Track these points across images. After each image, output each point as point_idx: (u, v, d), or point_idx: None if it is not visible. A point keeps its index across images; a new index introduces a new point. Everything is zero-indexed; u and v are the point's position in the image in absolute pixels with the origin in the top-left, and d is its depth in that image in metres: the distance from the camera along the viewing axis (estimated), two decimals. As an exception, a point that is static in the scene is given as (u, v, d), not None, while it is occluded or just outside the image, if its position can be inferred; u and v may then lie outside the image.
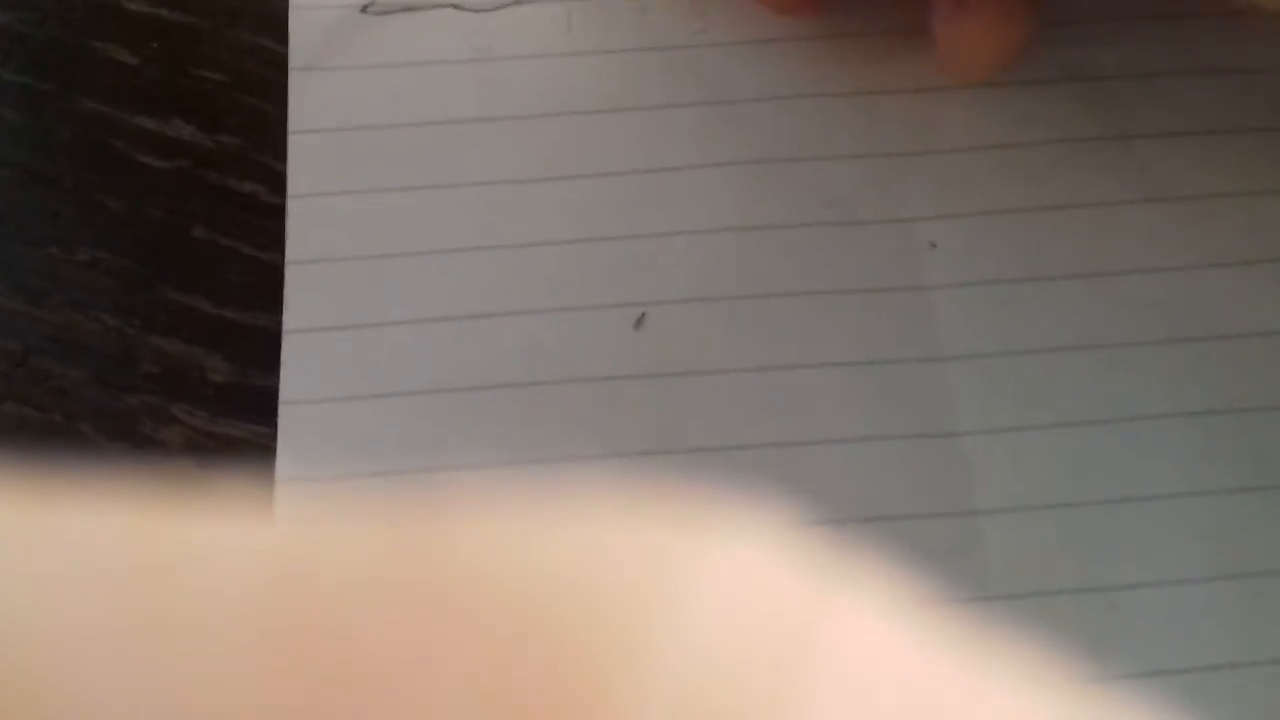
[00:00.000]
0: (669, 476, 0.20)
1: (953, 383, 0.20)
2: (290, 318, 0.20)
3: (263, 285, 0.21)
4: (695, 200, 0.21)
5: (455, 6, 0.23)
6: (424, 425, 0.20)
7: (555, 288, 0.20)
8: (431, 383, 0.20)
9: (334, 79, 0.22)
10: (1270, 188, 0.21)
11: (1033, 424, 0.19)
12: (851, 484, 0.19)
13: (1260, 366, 0.20)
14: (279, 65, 0.22)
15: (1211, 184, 0.21)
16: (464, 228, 0.21)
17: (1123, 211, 0.21)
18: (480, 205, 0.21)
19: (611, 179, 0.21)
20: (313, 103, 0.22)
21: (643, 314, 0.20)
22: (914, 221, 0.21)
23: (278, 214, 0.21)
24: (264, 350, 0.20)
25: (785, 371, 0.20)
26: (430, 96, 0.22)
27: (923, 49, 0.22)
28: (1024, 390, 0.20)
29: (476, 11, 0.23)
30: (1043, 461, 0.19)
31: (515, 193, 0.21)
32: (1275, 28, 0.20)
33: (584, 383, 0.20)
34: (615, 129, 0.22)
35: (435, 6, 0.23)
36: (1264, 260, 0.20)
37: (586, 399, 0.20)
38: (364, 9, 0.23)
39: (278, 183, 0.21)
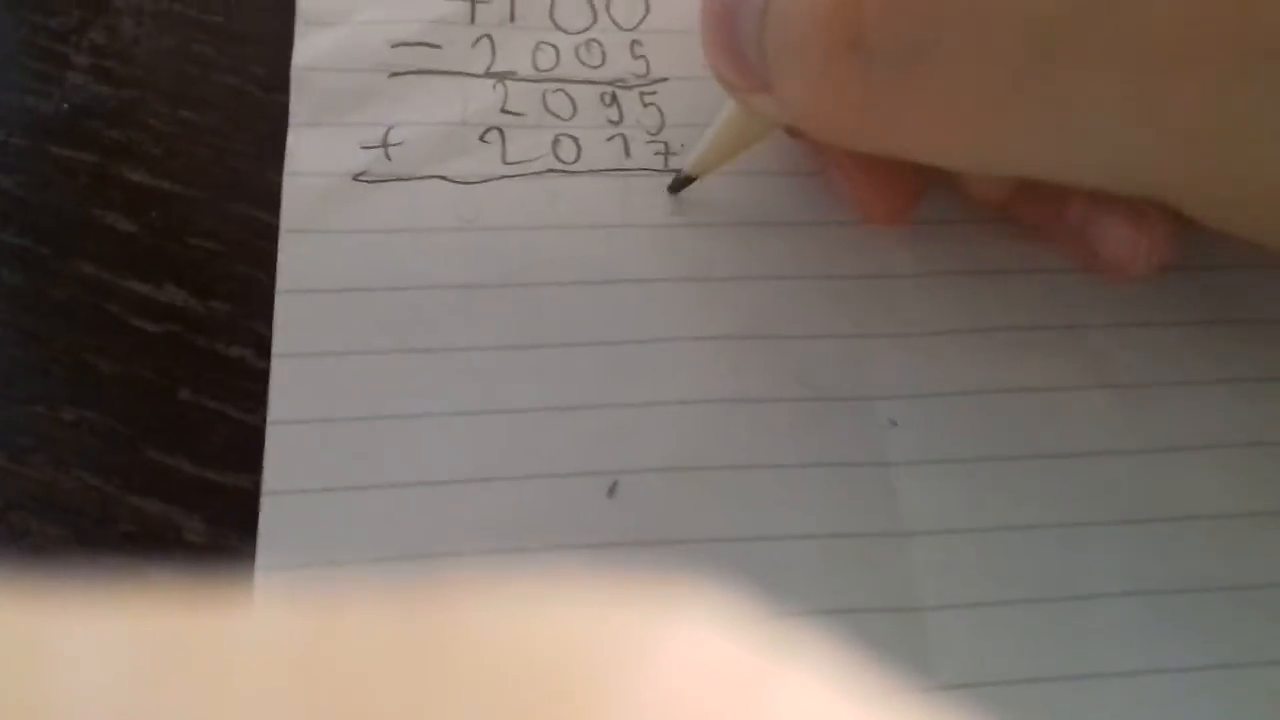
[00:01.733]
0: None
1: (914, 558, 0.20)
2: (270, 478, 0.21)
3: (245, 447, 0.21)
4: (673, 372, 0.22)
5: (443, 178, 0.24)
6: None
7: (533, 454, 0.21)
8: (411, 549, 0.20)
9: (323, 242, 0.23)
10: (1212, 378, 0.22)
11: (992, 600, 0.20)
12: (813, 655, 0.19)
13: (1210, 547, 0.20)
14: (272, 236, 0.23)
15: (1160, 374, 0.22)
16: (445, 392, 0.22)
17: (1077, 396, 0.22)
18: (462, 371, 0.22)
19: (592, 349, 0.22)
20: (301, 264, 0.23)
21: (615, 482, 0.21)
22: (877, 400, 0.22)
23: (264, 378, 0.22)
24: (243, 512, 0.21)
25: (754, 543, 0.20)
26: (417, 262, 0.23)
27: (890, 236, 0.23)
28: (983, 566, 0.20)
29: (464, 183, 0.24)
30: (1002, 637, 0.20)
31: (498, 359, 0.22)
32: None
33: (557, 550, 0.20)
34: (596, 300, 0.23)
35: (425, 177, 0.24)
36: (1207, 446, 0.21)
37: (560, 568, 0.20)
38: (356, 177, 0.24)
39: (266, 348, 0.22)
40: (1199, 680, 0.20)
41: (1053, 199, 0.22)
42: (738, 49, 0.20)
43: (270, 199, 0.24)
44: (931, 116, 0.18)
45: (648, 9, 0.26)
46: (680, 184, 0.24)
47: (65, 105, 0.25)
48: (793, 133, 0.23)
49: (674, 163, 0.25)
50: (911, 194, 0.23)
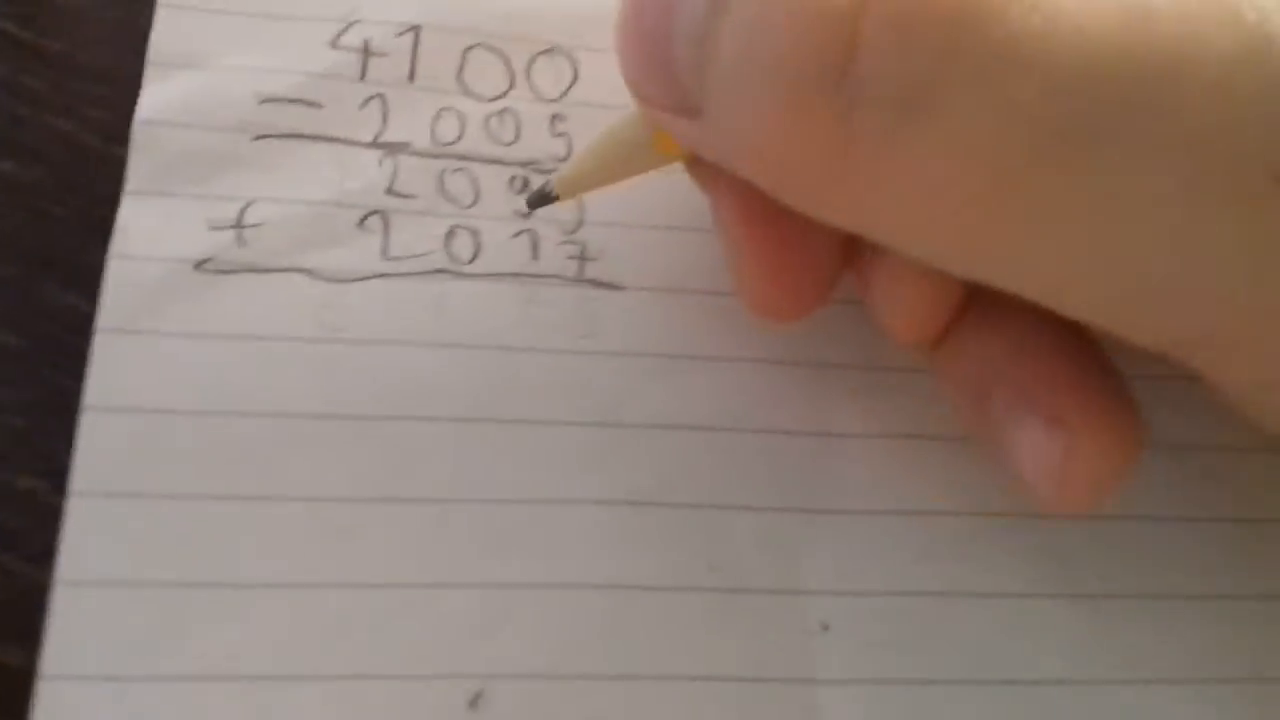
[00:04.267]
0: None
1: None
2: (50, 661, 0.16)
3: (23, 611, 0.17)
4: (560, 544, 0.18)
5: (307, 272, 0.20)
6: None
7: (380, 647, 0.17)
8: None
9: (149, 346, 0.19)
10: (1209, 592, 0.19)
11: None
12: None
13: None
14: (86, 332, 0.19)
15: (1140, 583, 0.19)
16: (280, 556, 0.18)
17: (1044, 607, 0.18)
18: (304, 528, 0.18)
19: (465, 507, 0.18)
20: (119, 374, 0.18)
21: (480, 691, 0.17)
22: (808, 595, 0.18)
23: (57, 519, 0.17)
24: (13, 697, 0.16)
25: (643, 781, 0.17)
26: (264, 381, 0.19)
27: (840, 385, 0.19)
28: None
29: (332, 281, 0.20)
30: None
31: (349, 515, 0.18)
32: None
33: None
34: (477, 443, 0.19)
35: (284, 269, 0.20)
36: (1196, 680, 0.18)
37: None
38: (198, 265, 0.20)
39: (63, 479, 0.18)
40: None
41: (979, 376, 0.17)
42: (664, 55, 0.15)
43: (91, 283, 0.19)
44: (921, 186, 0.14)
45: (575, 76, 0.22)
46: (538, 200, 0.19)
47: None
48: (694, 171, 0.18)
49: (590, 270, 0.21)
50: (815, 285, 0.18)
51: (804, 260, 0.18)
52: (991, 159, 0.13)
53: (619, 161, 0.18)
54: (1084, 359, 0.17)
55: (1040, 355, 0.17)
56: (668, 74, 0.15)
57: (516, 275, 0.20)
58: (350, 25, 0.22)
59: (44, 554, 0.17)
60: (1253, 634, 0.18)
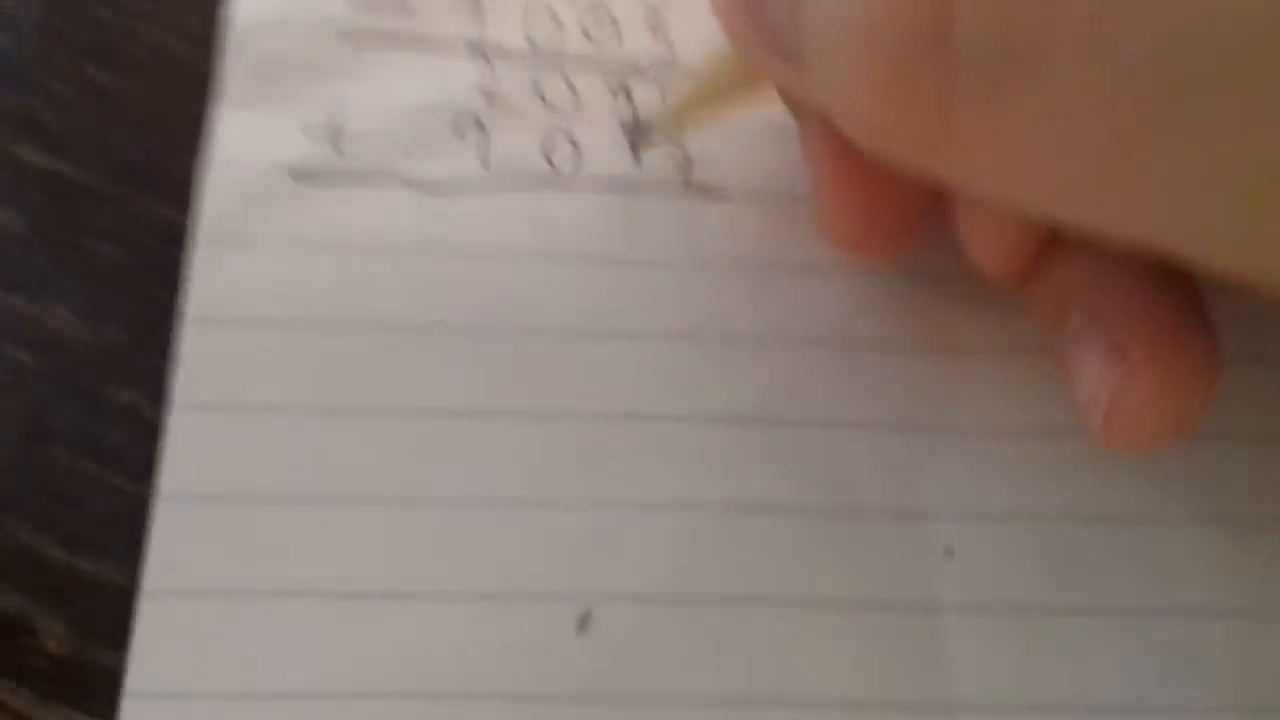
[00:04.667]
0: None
1: (964, 744, 0.16)
2: (151, 575, 0.16)
3: (124, 527, 0.17)
4: (666, 462, 0.17)
5: (405, 181, 0.19)
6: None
7: (485, 565, 0.17)
8: (319, 684, 0.16)
9: (245, 257, 0.18)
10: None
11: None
12: None
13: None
14: (182, 242, 0.18)
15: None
16: (383, 471, 0.17)
17: (1173, 533, 0.17)
18: (407, 442, 0.17)
19: (569, 422, 0.18)
20: (218, 285, 0.18)
21: (587, 612, 0.16)
22: (930, 519, 0.17)
23: (157, 434, 0.17)
24: (113, 615, 0.16)
25: (759, 708, 0.16)
26: (362, 291, 0.18)
27: (962, 299, 0.18)
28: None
29: (432, 194, 0.19)
30: None
31: (452, 429, 0.17)
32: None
33: (510, 701, 0.16)
34: (582, 358, 0.18)
35: (381, 179, 0.19)
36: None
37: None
38: (295, 174, 0.19)
39: (163, 393, 0.17)
40: None
41: (1060, 300, 0.16)
42: (762, 5, 0.15)
43: (188, 195, 0.19)
44: (1023, 148, 0.13)
45: (674, -30, 0.21)
46: (638, 133, 0.19)
47: (-52, 54, 0.20)
48: (787, 100, 0.18)
49: (694, 175, 0.20)
50: (903, 220, 0.17)
51: (890, 200, 0.17)
52: (1100, 121, 0.12)
53: (718, 95, 0.18)
54: (1170, 293, 0.15)
55: (1120, 283, 0.16)
56: (762, 17, 0.15)
57: (618, 183, 0.19)
58: (443, -78, 0.21)
59: (145, 469, 0.17)
60: None
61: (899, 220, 0.17)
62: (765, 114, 0.20)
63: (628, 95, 0.20)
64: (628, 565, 0.17)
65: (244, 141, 0.19)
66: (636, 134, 0.19)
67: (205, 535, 0.17)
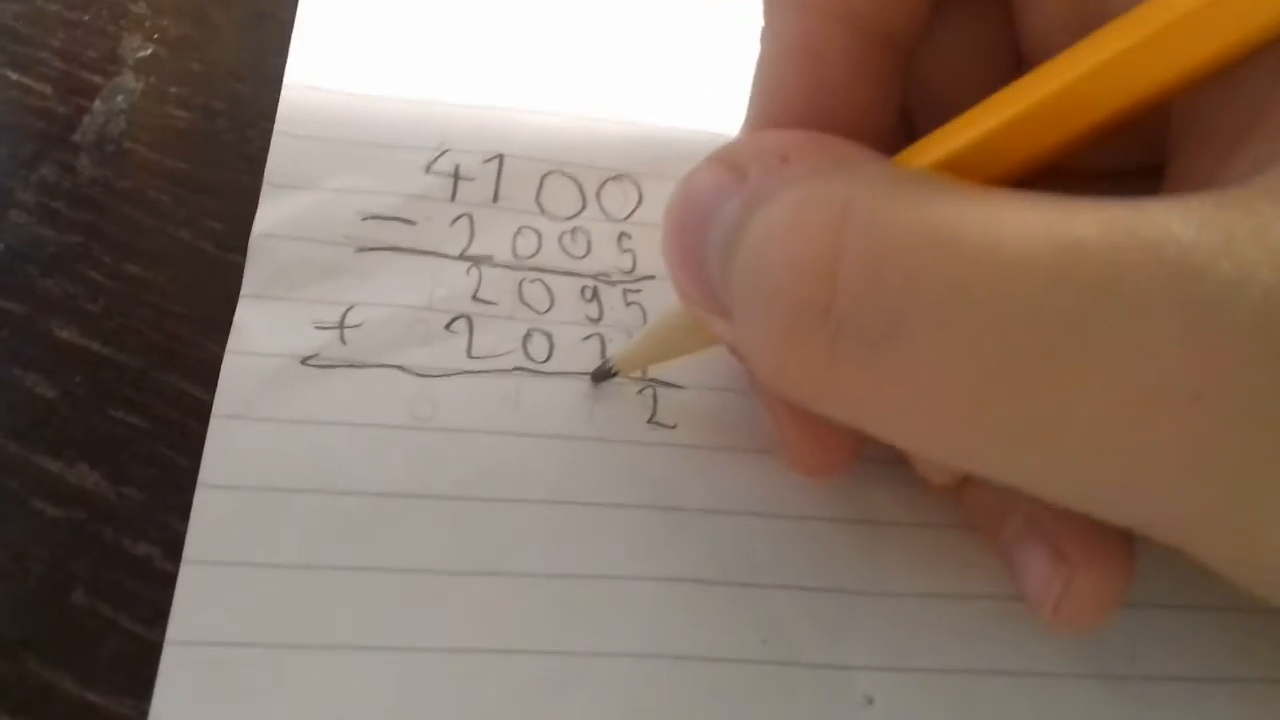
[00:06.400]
0: None
1: None
2: (158, 714, 0.18)
3: (136, 667, 0.19)
4: (627, 617, 0.20)
5: (401, 368, 0.22)
6: None
7: (461, 707, 0.19)
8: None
9: (259, 431, 0.21)
10: (1225, 675, 0.20)
11: None
12: None
13: None
14: (203, 417, 0.21)
15: (1167, 665, 0.20)
16: (374, 621, 0.19)
17: (1071, 686, 0.19)
18: (396, 596, 0.19)
19: (541, 581, 0.20)
20: (231, 454, 0.21)
21: (552, 749, 0.18)
22: (854, 670, 0.19)
23: (169, 584, 0.19)
24: (123, 746, 0.18)
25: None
26: (360, 462, 0.21)
27: (885, 479, 0.21)
28: None
29: (422, 376, 0.22)
30: None
31: (436, 586, 0.20)
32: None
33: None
34: (553, 524, 0.21)
35: (381, 366, 0.22)
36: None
37: None
38: (305, 360, 0.22)
39: (176, 548, 0.20)
40: None
41: (997, 505, 0.20)
42: (701, 264, 0.18)
43: (207, 374, 0.22)
44: (897, 400, 0.16)
45: (640, 199, 0.25)
46: (602, 375, 0.22)
47: (1, 246, 0.23)
48: (734, 352, 0.21)
49: (653, 371, 0.23)
50: (845, 450, 0.20)
51: (832, 428, 0.19)
52: (953, 382, 0.15)
53: (671, 343, 0.21)
54: None
55: None
56: (703, 278, 0.18)
57: (586, 374, 0.22)
58: (443, 153, 0.25)
59: (156, 616, 0.19)
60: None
61: (841, 445, 0.20)
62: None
63: (596, 297, 0.23)
64: (589, 709, 0.19)
65: (261, 331, 0.22)
66: (600, 375, 0.22)
67: (208, 677, 0.18)
